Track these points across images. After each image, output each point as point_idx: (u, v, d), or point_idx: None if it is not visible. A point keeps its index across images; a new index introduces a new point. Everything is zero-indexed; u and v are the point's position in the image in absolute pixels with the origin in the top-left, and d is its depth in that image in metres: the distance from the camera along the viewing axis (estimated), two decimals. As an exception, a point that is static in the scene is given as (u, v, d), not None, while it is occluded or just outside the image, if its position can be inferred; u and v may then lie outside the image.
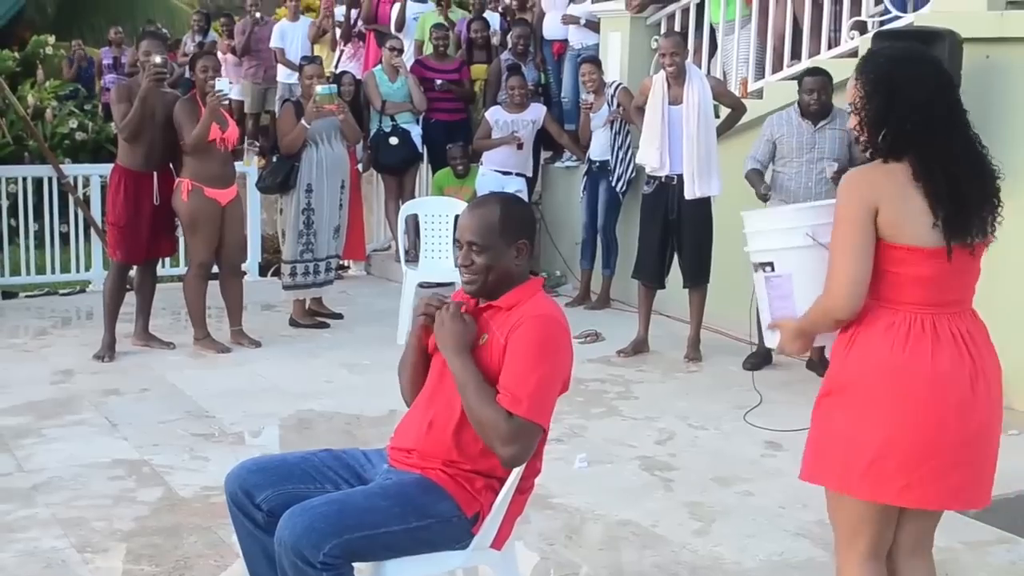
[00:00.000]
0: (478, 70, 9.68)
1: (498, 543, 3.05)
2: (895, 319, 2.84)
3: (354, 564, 2.88)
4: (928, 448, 2.83)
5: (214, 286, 7.08)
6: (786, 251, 3.00)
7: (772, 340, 3.13)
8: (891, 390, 2.82)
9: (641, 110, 7.16)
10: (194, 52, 9.32)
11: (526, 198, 8.26)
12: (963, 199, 2.81)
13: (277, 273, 8.52)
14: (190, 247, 7.05)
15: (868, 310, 2.86)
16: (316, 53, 10.91)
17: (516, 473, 2.95)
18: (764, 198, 6.44)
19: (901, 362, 2.81)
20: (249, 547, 3.09)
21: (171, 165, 6.80)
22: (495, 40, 10.03)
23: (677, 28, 8.32)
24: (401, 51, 9.27)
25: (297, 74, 10.16)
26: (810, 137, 6.43)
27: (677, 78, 6.75)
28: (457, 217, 7.44)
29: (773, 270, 2.99)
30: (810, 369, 6.46)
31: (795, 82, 6.69)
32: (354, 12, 10.89)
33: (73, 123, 11.74)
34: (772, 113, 6.85)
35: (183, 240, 7.35)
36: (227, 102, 6.66)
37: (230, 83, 6.81)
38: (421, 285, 7.55)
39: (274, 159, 7.74)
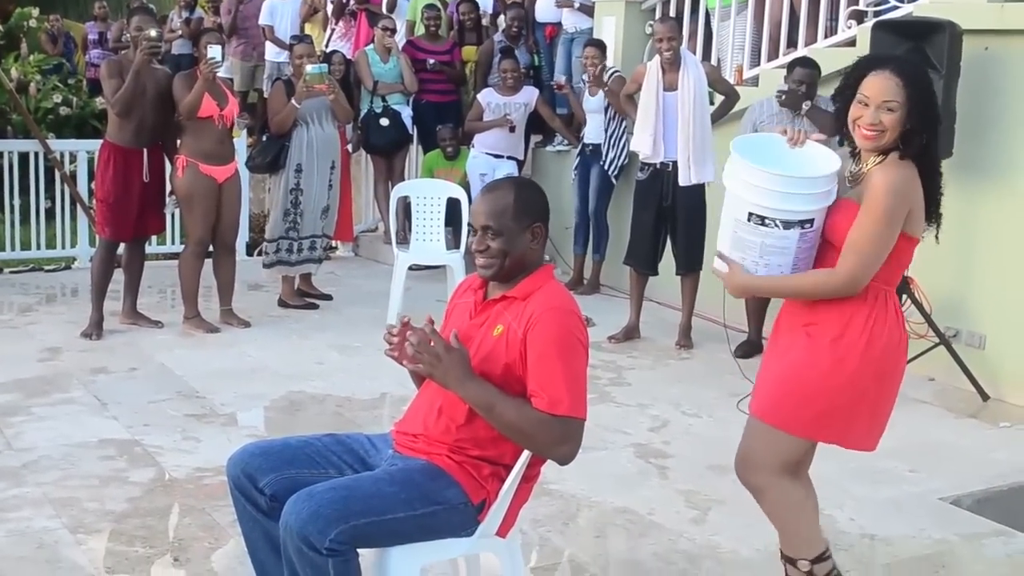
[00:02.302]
0: (469, 52, 9.62)
1: (503, 531, 3.02)
2: (888, 301, 3.22)
3: (359, 550, 2.84)
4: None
5: (206, 264, 7.00)
6: (823, 209, 3.22)
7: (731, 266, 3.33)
8: (898, 361, 3.27)
9: (631, 98, 7.13)
10: (205, 28, 9.20)
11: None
12: (940, 193, 3.24)
13: (262, 252, 8.47)
14: (187, 224, 6.97)
15: (875, 292, 3.18)
16: (307, 32, 10.80)
17: (523, 460, 2.92)
18: None
19: (903, 337, 3.26)
20: (251, 531, 3.06)
21: (161, 142, 6.74)
22: (485, 22, 9.96)
23: (672, 13, 8.27)
24: (394, 31, 9.20)
25: (285, 52, 10.11)
26: (789, 125, 6.40)
27: (672, 64, 6.72)
28: (449, 200, 7.52)
29: (811, 226, 3.19)
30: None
31: (790, 70, 6.67)
32: (346, -10, 10.80)
33: (57, 98, 11.59)
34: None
35: (179, 217, 7.28)
36: (220, 68, 6.56)
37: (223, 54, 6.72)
38: (412, 268, 7.51)
39: (264, 138, 7.68)
